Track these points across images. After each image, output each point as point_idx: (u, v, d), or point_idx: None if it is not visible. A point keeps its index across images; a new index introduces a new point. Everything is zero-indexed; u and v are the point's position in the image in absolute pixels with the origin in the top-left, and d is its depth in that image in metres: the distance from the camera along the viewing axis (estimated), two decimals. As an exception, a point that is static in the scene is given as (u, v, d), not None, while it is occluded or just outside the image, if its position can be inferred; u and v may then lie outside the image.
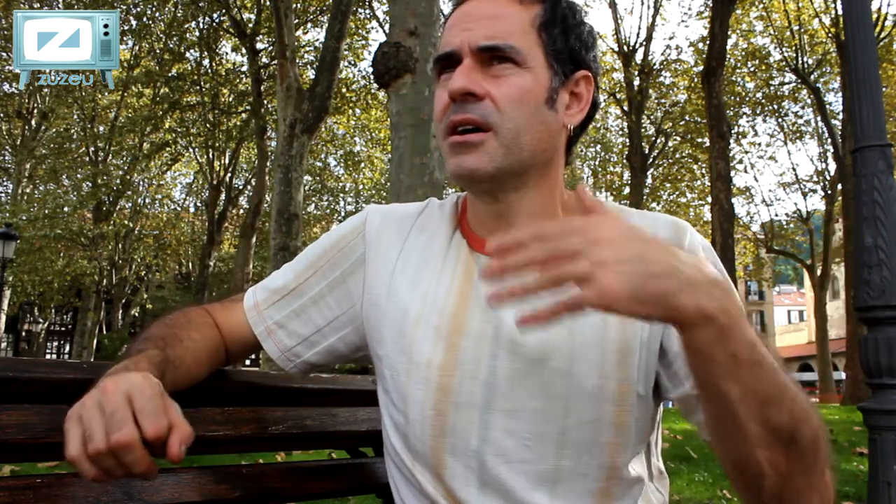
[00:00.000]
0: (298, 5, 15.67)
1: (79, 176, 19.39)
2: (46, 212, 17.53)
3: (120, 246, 19.80)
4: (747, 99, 21.29)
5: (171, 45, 17.64)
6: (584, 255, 0.56)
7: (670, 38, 45.50)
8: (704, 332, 0.59)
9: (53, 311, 26.70)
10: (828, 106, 18.86)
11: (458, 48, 0.81)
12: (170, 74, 17.40)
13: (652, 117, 21.36)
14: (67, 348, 28.68)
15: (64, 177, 19.86)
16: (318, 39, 18.55)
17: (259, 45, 16.45)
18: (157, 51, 17.82)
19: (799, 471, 0.65)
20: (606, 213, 0.62)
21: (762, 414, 0.62)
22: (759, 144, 34.50)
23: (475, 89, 0.79)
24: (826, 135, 19.14)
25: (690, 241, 0.84)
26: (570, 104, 0.85)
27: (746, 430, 0.62)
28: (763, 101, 21.34)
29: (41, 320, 25.88)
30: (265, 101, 16.60)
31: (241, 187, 22.03)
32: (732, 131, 16.80)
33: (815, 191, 22.95)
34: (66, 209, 18.12)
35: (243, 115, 18.66)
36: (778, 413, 0.62)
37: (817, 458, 0.66)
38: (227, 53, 19.47)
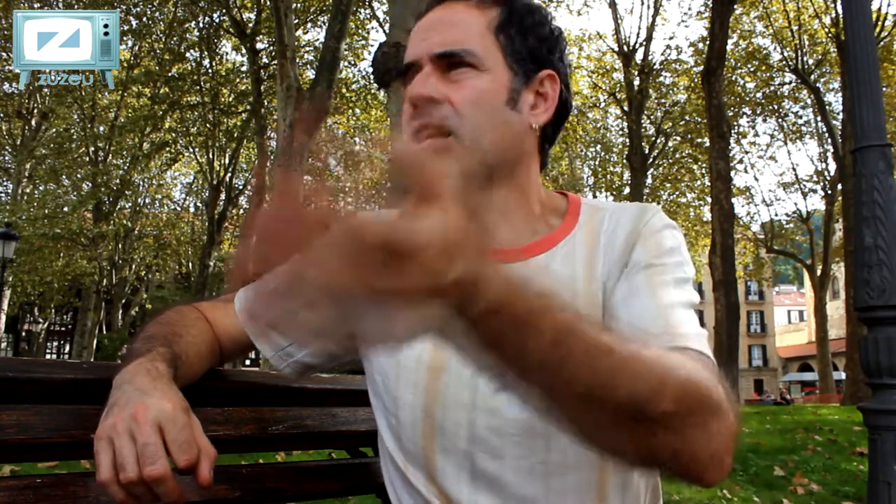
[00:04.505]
0: (298, 5, 15.67)
1: (79, 176, 19.38)
2: (46, 212, 17.54)
3: (120, 246, 19.80)
4: (747, 99, 21.29)
5: (171, 45, 17.66)
6: None
7: (670, 38, 45.58)
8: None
9: (53, 311, 26.71)
10: (828, 106, 18.87)
11: (418, 58, 0.83)
12: (170, 74, 17.40)
13: (652, 117, 21.35)
14: (67, 348, 28.70)
15: (64, 177, 19.85)
16: (318, 39, 18.57)
17: (259, 45, 16.45)
18: (157, 51, 17.83)
19: (662, 438, 0.56)
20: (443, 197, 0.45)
21: (587, 407, 0.53)
22: (759, 144, 34.60)
23: (432, 94, 0.80)
24: (826, 135, 19.15)
25: (651, 220, 0.85)
26: (536, 104, 0.85)
27: (576, 426, 0.57)
28: (763, 101, 21.35)
29: (41, 320, 25.89)
30: (265, 101, 16.60)
31: (241, 187, 22.03)
32: (732, 131, 16.81)
33: (815, 191, 22.98)
34: (66, 209, 18.13)
35: (243, 115, 18.67)
36: (608, 402, 0.53)
37: (687, 421, 0.57)
38: (227, 53, 19.52)
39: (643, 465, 0.61)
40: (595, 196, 23.36)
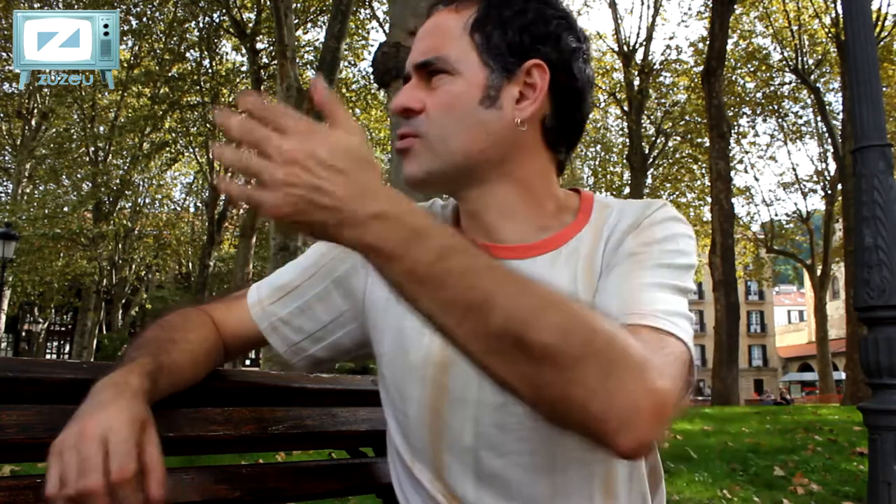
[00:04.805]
0: (298, 5, 15.68)
1: (79, 176, 19.40)
2: (46, 212, 17.57)
3: (120, 246, 19.82)
4: (747, 99, 21.32)
5: (171, 45, 17.67)
6: (269, 163, 0.57)
7: (670, 38, 45.73)
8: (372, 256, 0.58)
9: (53, 311, 26.73)
10: (828, 106, 18.89)
11: (408, 69, 0.86)
12: (170, 74, 17.42)
13: (652, 117, 21.38)
14: (67, 348, 28.71)
15: (64, 177, 19.88)
16: (318, 39, 18.58)
17: (259, 45, 16.47)
18: (157, 51, 17.86)
19: (553, 377, 0.57)
20: (338, 121, 0.59)
21: (471, 327, 0.57)
22: (759, 144, 34.62)
23: (410, 104, 0.82)
24: (826, 135, 19.16)
25: (654, 213, 0.84)
26: (523, 96, 0.83)
27: (460, 345, 0.59)
28: (763, 101, 21.37)
29: (41, 320, 25.92)
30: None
31: (241, 187, 22.01)
32: (732, 131, 16.83)
33: (815, 191, 23.01)
34: (66, 209, 18.15)
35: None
36: (486, 320, 0.56)
37: (580, 365, 0.56)
38: (227, 53, 19.53)
39: (545, 413, 0.60)
40: (595, 196, 23.34)
